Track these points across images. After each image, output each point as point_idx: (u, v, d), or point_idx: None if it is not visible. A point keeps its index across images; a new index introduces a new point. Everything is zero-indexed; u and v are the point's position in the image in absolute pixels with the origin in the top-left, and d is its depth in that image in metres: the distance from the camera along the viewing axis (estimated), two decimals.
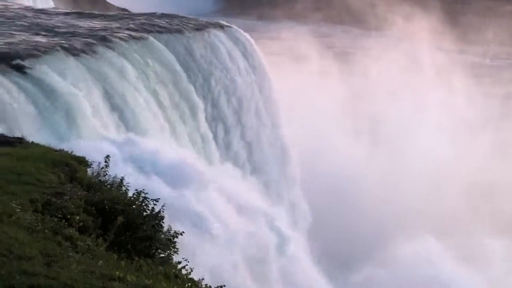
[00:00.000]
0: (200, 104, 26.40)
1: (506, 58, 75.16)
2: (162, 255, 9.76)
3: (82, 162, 11.21)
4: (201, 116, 26.30)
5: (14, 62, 19.42)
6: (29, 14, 30.24)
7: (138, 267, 8.15)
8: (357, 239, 33.05)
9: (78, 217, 8.73)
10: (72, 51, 21.69)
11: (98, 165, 11.00)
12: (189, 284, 8.52)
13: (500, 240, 33.27)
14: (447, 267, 31.73)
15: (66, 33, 24.86)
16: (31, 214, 8.06)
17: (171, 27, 28.32)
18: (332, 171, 35.32)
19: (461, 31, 71.50)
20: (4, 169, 9.83)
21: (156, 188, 15.86)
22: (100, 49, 22.89)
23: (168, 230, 10.06)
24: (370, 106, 45.08)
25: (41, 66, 19.64)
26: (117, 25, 27.96)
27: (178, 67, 25.95)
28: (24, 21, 27.39)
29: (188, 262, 9.66)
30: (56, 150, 11.79)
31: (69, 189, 9.72)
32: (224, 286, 8.91)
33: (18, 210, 7.93)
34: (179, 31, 28.07)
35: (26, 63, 19.53)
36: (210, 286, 8.68)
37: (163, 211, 10.17)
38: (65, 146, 12.73)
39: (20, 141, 11.92)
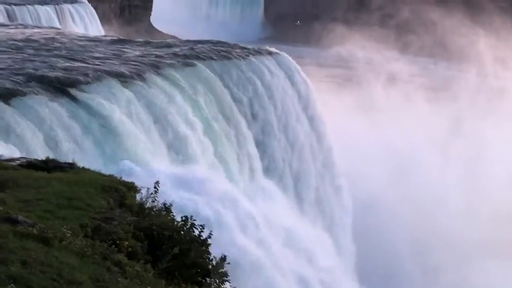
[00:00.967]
0: (248, 132, 26.48)
1: None
2: (209, 282, 9.73)
3: (131, 187, 11.25)
4: (250, 141, 26.37)
5: (66, 88, 19.80)
6: (81, 42, 30.89)
7: None
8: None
9: (127, 243, 8.75)
10: (122, 78, 22.01)
11: (147, 191, 11.05)
12: None
13: None
14: None
15: (116, 60, 25.29)
16: (81, 239, 8.11)
17: (220, 54, 28.57)
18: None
19: None
20: (55, 194, 9.94)
21: (203, 215, 15.91)
22: (150, 76, 23.19)
23: (216, 257, 10.01)
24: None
25: (91, 92, 19.96)
26: (166, 52, 28.33)
27: (225, 93, 26.12)
28: (76, 49, 27.99)
29: None
30: (106, 176, 11.89)
31: (118, 214, 9.76)
32: None
33: (69, 235, 7.99)
34: (227, 58, 28.31)
35: (77, 89, 19.89)
36: None
37: (210, 238, 10.15)
38: (115, 172, 12.88)
39: (71, 166, 12.07)
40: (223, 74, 26.82)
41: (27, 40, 31.07)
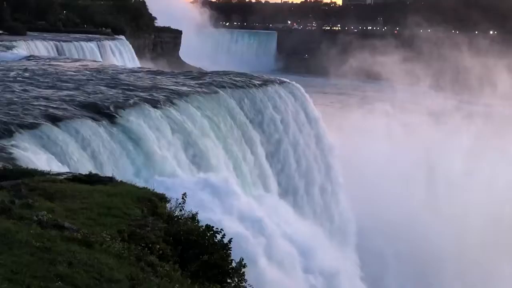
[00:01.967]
0: (262, 149, 26.48)
1: None
2: (230, 282, 9.68)
3: (162, 198, 11.26)
4: (262, 156, 26.35)
5: (106, 112, 19.92)
6: (120, 72, 31.15)
7: None
8: None
9: (158, 246, 8.73)
10: (155, 104, 22.12)
11: (176, 201, 11.05)
12: None
13: None
14: None
15: (150, 88, 25.45)
16: (119, 243, 8.10)
17: (239, 83, 28.66)
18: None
19: None
20: (97, 204, 9.98)
21: (223, 223, 15.86)
22: (178, 102, 23.31)
23: (235, 260, 9.96)
24: None
25: (128, 116, 20.06)
26: (193, 81, 28.49)
27: (243, 117, 26.18)
28: (116, 78, 28.22)
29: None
30: (140, 188, 11.90)
31: (150, 221, 9.76)
32: None
33: (108, 239, 7.99)
34: (245, 87, 28.39)
35: (116, 113, 20.00)
36: None
37: (230, 243, 10.12)
38: (148, 184, 12.90)
39: (111, 179, 12.10)
40: (241, 100, 26.89)
41: (73, 71, 31.39)
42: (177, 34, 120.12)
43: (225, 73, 31.61)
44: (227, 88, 27.36)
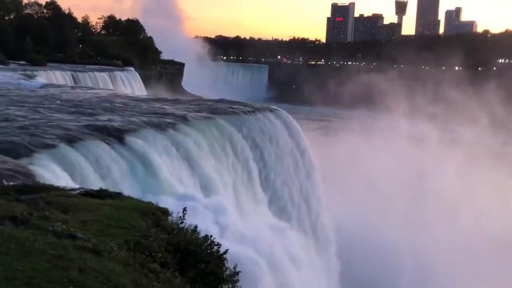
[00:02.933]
0: (255, 168, 26.45)
1: None
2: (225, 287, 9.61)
3: (165, 212, 11.19)
4: (255, 173, 26.32)
5: (116, 134, 19.88)
6: (129, 100, 31.15)
7: None
8: None
9: (160, 255, 8.66)
10: (160, 127, 22.12)
11: (177, 215, 11.00)
12: None
13: None
14: None
15: (155, 113, 25.46)
16: (125, 252, 8.04)
17: (234, 110, 28.74)
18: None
19: None
20: (106, 216, 9.91)
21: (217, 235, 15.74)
22: (181, 126, 23.30)
23: (229, 267, 9.90)
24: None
25: (136, 138, 20.03)
26: (193, 108, 28.53)
27: (238, 140, 26.17)
28: (125, 105, 28.20)
29: None
30: (145, 202, 11.82)
31: (154, 233, 9.69)
32: None
33: (116, 248, 7.92)
34: (239, 113, 28.46)
35: (125, 135, 19.97)
36: None
37: (225, 253, 10.06)
38: (153, 200, 12.81)
39: (119, 194, 12.03)
40: (236, 125, 26.93)
41: (88, 98, 31.37)
42: (180, 66, 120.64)
43: (223, 101, 31.72)
44: (224, 114, 27.42)
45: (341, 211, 33.92)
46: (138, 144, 19.55)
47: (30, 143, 16.83)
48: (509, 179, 42.25)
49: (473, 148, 53.79)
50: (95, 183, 15.34)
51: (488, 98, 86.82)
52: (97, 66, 72.70)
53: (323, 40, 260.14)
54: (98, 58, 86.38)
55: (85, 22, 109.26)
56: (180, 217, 10.86)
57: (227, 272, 9.56)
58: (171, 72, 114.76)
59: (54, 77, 54.85)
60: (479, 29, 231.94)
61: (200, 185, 20.85)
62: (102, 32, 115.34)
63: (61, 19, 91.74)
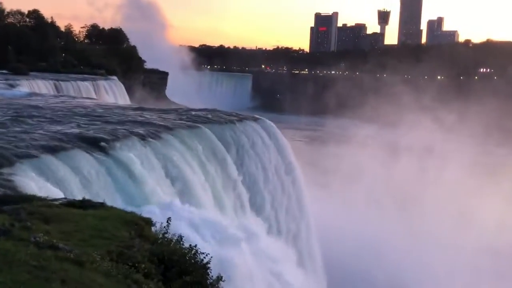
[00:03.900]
0: (238, 176, 26.46)
1: None
2: None
3: (148, 222, 11.17)
4: (239, 183, 26.32)
5: (99, 144, 19.78)
6: (112, 109, 31.01)
7: None
8: None
9: (143, 265, 8.64)
10: (143, 137, 22.04)
11: (161, 225, 10.96)
12: None
13: None
14: None
15: (138, 123, 25.38)
16: (108, 262, 8.00)
17: (218, 119, 28.77)
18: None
19: None
20: (89, 226, 9.86)
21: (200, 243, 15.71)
22: (164, 135, 23.26)
23: (213, 277, 9.88)
24: None
25: (118, 147, 19.94)
26: (177, 117, 28.51)
27: (222, 149, 26.18)
28: (109, 114, 28.09)
29: None
30: (128, 212, 11.78)
31: (137, 243, 9.66)
32: None
33: (98, 258, 7.89)
34: (223, 122, 28.50)
35: (108, 145, 19.87)
36: None
37: (209, 263, 10.05)
38: (136, 210, 12.79)
39: (102, 205, 11.97)
40: (220, 133, 26.94)
41: (71, 107, 31.18)
42: (164, 75, 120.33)
43: (207, 110, 31.75)
44: (208, 123, 27.44)
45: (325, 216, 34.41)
46: (120, 154, 19.46)
47: (12, 153, 16.68)
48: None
49: (450, 156, 54.74)
50: (78, 194, 15.24)
51: (469, 107, 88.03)
52: (80, 75, 72.22)
53: (307, 49, 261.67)
54: (82, 67, 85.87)
55: (68, 31, 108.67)
56: (164, 227, 10.83)
57: (211, 280, 9.57)
58: (155, 81, 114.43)
59: (37, 86, 54.39)
60: (461, 38, 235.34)
61: (182, 194, 20.78)
62: (85, 41, 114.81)
63: (44, 28, 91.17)
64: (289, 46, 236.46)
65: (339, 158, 49.51)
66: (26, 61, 75.67)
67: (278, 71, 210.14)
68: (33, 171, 15.55)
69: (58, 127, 22.65)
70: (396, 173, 46.92)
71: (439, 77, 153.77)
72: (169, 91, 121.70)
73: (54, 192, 14.24)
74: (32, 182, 14.45)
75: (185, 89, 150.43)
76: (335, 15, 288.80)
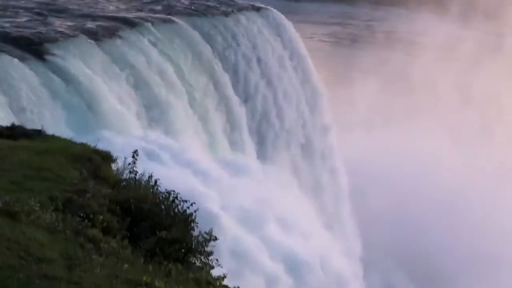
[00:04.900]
0: (234, 96, 26.36)
1: None
2: (194, 260, 9.72)
3: (107, 157, 11.21)
4: (236, 105, 26.30)
5: (33, 47, 19.59)
6: None
7: (167, 272, 8.14)
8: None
9: (101, 217, 8.74)
10: (95, 36, 21.76)
11: (124, 161, 11.00)
12: None
13: None
14: None
15: (87, 15, 24.94)
16: (51, 213, 8.08)
17: (202, 9, 28.25)
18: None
19: None
20: (21, 164, 9.89)
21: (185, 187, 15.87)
22: (125, 33, 22.93)
23: (201, 233, 9.98)
24: None
25: (61, 52, 19.75)
26: (145, 6, 28.02)
27: (209, 53, 25.89)
28: (47, 2, 27.56)
29: (222, 267, 9.68)
30: (78, 144, 11.82)
31: (92, 186, 9.73)
32: None
33: (37, 208, 7.96)
34: (210, 14, 27.99)
35: (48, 49, 19.68)
36: None
37: (195, 214, 10.14)
38: (88, 140, 12.78)
39: (39, 133, 12.01)
40: (205, 31, 26.53)
41: None
42: None
43: None
44: (188, 15, 26.99)
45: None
46: (66, 61, 19.34)
47: None
48: None
49: None
50: (5, 117, 15.26)
51: None
52: None
53: None
54: None
55: None
56: (129, 163, 10.87)
57: (199, 239, 9.68)
58: None
59: None
60: None
61: (153, 117, 20.82)
62: None
63: None
64: None
65: (378, 65, 48.67)
66: None
67: None
68: None
69: None
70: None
71: None
72: None
73: None
74: None
75: None
76: None
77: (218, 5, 29.49)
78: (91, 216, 8.63)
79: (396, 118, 41.03)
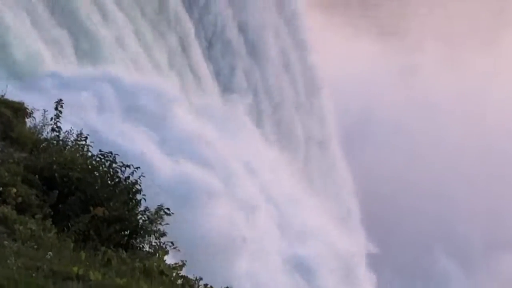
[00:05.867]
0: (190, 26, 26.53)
1: None
2: (142, 244, 9.85)
3: (19, 110, 11.25)
4: (194, 44, 26.49)
5: None
6: None
7: (106, 261, 8.23)
8: None
9: (15, 190, 8.78)
10: None
11: (44, 114, 11.10)
12: (181, 282, 8.64)
13: None
14: None
15: None
16: None
17: None
18: None
19: None
20: None
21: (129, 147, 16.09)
22: None
23: (148, 208, 10.12)
24: None
25: None
26: None
27: None
28: None
29: (179, 251, 9.87)
30: None
31: (1, 149, 9.83)
32: None
33: None
34: None
35: None
36: (211, 286, 8.89)
37: (140, 182, 10.24)
38: None
39: None
40: None
41: None
42: None
43: None
44: None
45: None
46: None
47: None
48: None
49: None
50: None
51: None
52: None
53: None
54: None
55: None
56: (51, 118, 10.92)
57: (147, 215, 9.88)
58: None
59: None
60: None
61: (78, 46, 20.83)
62: None
63: None
64: None
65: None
66: None
67: None
68: None
69: None
70: None
71: None
72: None
73: None
74: None
75: None
76: None
77: None
78: (1, 189, 8.69)
79: None
